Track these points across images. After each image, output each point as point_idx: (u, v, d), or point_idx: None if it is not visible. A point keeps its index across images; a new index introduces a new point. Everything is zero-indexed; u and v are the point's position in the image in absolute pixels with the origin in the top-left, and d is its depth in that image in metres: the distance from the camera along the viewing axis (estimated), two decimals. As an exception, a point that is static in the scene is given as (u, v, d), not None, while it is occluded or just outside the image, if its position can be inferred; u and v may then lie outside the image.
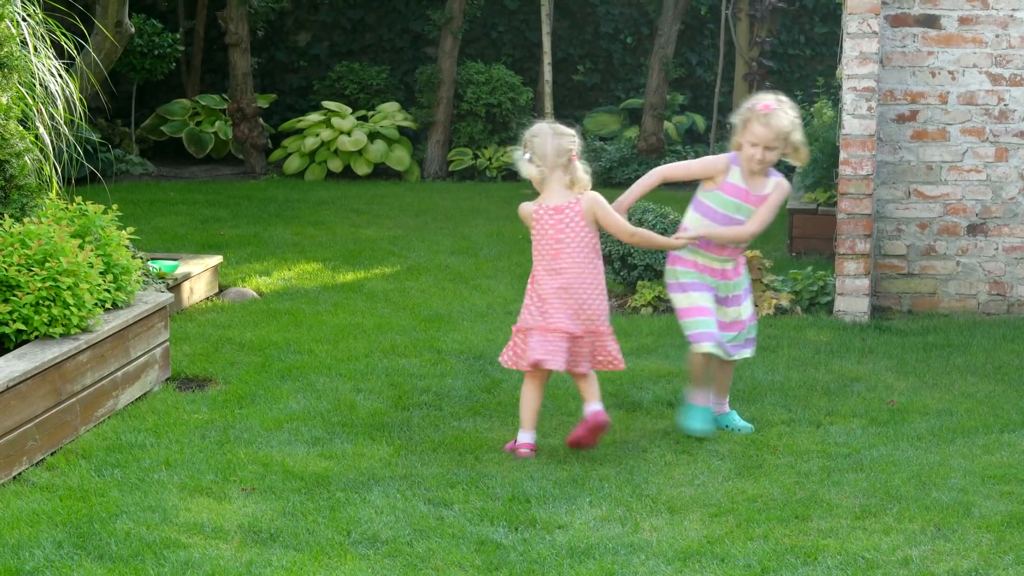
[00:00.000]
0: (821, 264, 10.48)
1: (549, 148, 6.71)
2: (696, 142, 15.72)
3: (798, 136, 7.00)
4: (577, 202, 6.74)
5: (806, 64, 16.46)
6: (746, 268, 7.23)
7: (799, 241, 11.26)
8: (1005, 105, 9.43)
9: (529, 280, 6.81)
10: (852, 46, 9.17)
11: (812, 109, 13.06)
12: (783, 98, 7.05)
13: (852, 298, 9.29)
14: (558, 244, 6.71)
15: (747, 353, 7.22)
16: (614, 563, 5.50)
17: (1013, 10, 9.34)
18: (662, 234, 9.67)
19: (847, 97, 9.17)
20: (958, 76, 9.44)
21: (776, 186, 7.05)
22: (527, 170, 6.77)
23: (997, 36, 9.37)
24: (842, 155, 9.22)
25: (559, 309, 6.69)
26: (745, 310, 7.16)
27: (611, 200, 6.89)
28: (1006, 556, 5.58)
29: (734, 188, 7.00)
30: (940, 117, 9.49)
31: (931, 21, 9.42)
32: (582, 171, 6.77)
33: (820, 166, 11.36)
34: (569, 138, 6.76)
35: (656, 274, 9.74)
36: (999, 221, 9.52)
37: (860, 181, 9.23)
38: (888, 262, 9.63)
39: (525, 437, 6.77)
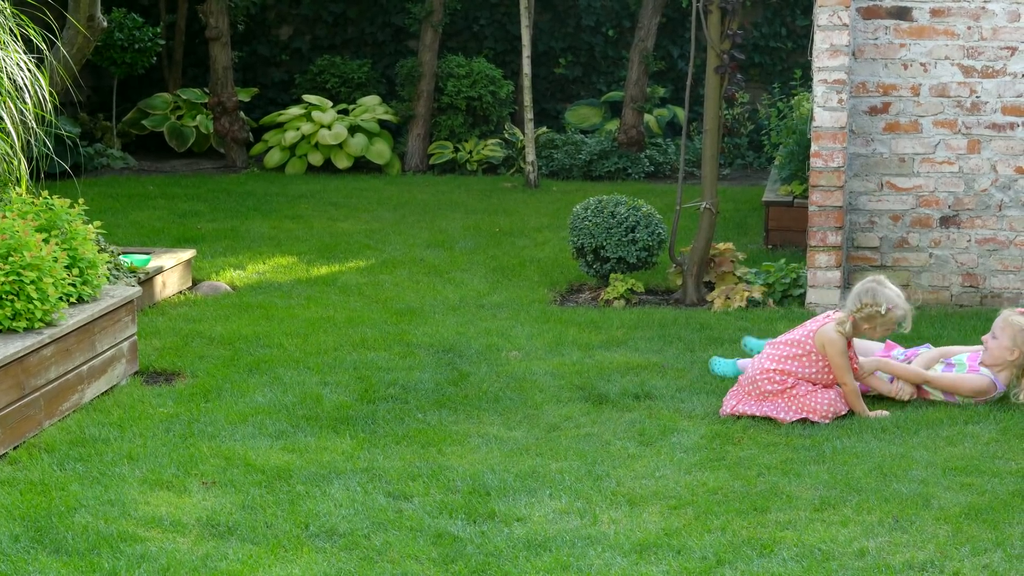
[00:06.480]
0: (796, 256, 10.47)
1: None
2: (677, 135, 15.71)
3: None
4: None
5: (788, 56, 16.44)
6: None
7: (775, 234, 11.26)
8: (977, 97, 9.42)
9: None
10: (823, 38, 9.16)
11: (791, 102, 13.05)
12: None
13: (824, 290, 9.29)
14: None
15: None
16: (570, 556, 5.51)
17: (984, 2, 9.34)
18: (633, 227, 9.70)
19: (818, 89, 9.16)
20: (930, 68, 9.43)
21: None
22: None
23: (969, 28, 9.36)
24: (813, 147, 9.21)
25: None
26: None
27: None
28: (962, 548, 5.58)
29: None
30: (912, 109, 9.49)
31: (903, 13, 9.41)
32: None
33: (796, 158, 11.35)
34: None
35: (628, 266, 9.73)
36: (972, 213, 9.52)
37: (831, 173, 9.22)
38: (861, 254, 9.63)
39: None
